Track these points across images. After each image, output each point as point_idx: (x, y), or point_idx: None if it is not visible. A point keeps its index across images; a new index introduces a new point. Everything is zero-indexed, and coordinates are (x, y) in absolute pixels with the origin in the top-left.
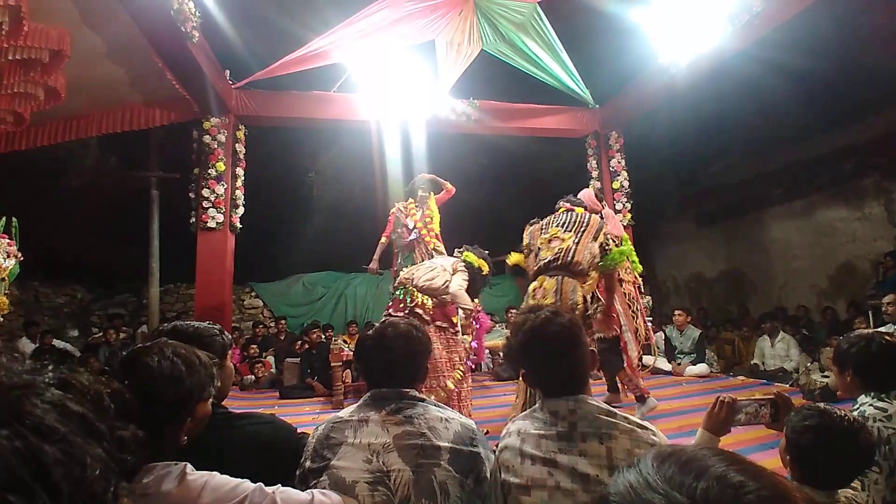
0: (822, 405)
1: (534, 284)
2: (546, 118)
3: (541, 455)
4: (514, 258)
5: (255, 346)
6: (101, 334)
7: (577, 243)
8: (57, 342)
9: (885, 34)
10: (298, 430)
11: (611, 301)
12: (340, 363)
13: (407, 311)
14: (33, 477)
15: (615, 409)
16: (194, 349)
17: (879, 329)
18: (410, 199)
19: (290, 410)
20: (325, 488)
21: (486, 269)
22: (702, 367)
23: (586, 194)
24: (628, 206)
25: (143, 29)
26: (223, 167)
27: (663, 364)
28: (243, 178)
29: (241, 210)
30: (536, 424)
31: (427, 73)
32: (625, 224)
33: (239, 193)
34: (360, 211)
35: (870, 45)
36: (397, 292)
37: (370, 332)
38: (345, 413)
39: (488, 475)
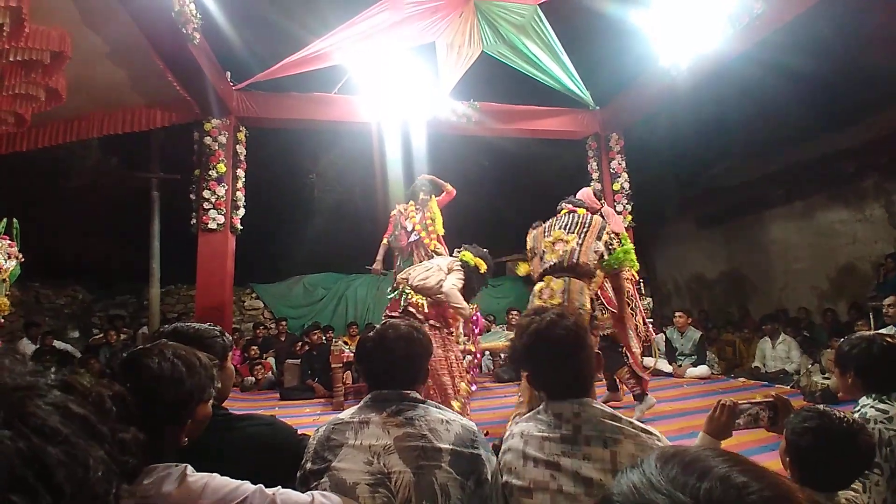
0: (821, 407)
1: (540, 285)
2: (546, 120)
3: (544, 458)
4: (522, 269)
5: (255, 348)
6: (101, 335)
7: (581, 244)
8: (58, 343)
9: (885, 35)
10: (299, 432)
11: (622, 305)
12: (341, 364)
13: (400, 310)
14: (36, 478)
15: (620, 414)
16: (195, 350)
17: (881, 331)
18: (411, 202)
19: (291, 412)
20: (325, 490)
21: (483, 267)
22: (702, 369)
23: (585, 193)
24: (629, 207)
25: (144, 30)
26: (224, 168)
27: (664, 366)
28: (244, 179)
29: (241, 211)
30: (540, 427)
31: (427, 74)
32: (625, 226)
33: (240, 195)
34: (361, 212)
35: (870, 47)
36: (395, 293)
37: (371, 333)
38: (345, 415)
39: (489, 477)
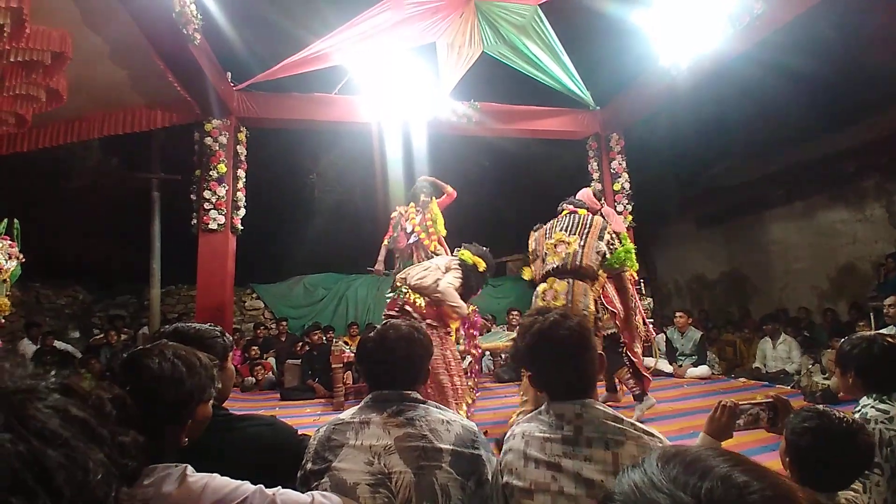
0: (820, 407)
1: (543, 286)
2: (547, 120)
3: (545, 459)
4: (528, 273)
5: (256, 348)
6: (102, 336)
7: (584, 246)
8: (58, 343)
9: (885, 35)
10: (299, 432)
11: (627, 305)
12: (341, 365)
13: (398, 309)
14: (36, 480)
15: (622, 415)
16: (195, 351)
17: (881, 331)
18: (412, 204)
19: (291, 412)
20: (326, 490)
21: (481, 266)
22: (703, 369)
23: (585, 194)
24: (629, 207)
25: (144, 31)
26: (224, 169)
27: (664, 366)
28: (244, 179)
29: (242, 211)
30: (541, 427)
31: (428, 75)
32: (626, 226)
33: (240, 195)
34: (361, 212)
35: (870, 47)
36: (394, 293)
37: (372, 333)
38: (346, 415)
39: (489, 477)
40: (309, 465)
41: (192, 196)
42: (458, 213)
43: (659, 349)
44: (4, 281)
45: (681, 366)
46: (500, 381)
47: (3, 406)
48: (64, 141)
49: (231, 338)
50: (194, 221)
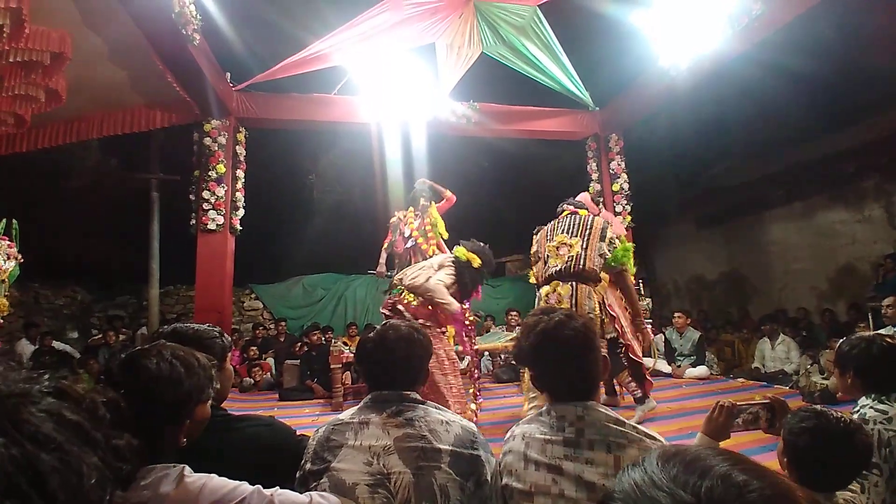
0: (818, 407)
1: (546, 289)
2: (546, 121)
3: (546, 461)
4: (534, 277)
5: (254, 348)
6: (100, 336)
7: (586, 248)
8: (57, 344)
9: (885, 36)
10: (298, 433)
11: (634, 305)
12: (340, 365)
13: (390, 308)
14: (30, 485)
15: (623, 418)
16: (193, 351)
17: (880, 331)
18: (410, 208)
19: (290, 412)
20: (325, 490)
21: (475, 262)
22: (702, 370)
23: (584, 198)
24: (628, 208)
25: (144, 31)
26: (223, 169)
27: (663, 366)
28: (243, 180)
29: (241, 212)
30: (542, 429)
31: (427, 75)
32: (625, 226)
33: (239, 195)
34: (361, 213)
35: (870, 47)
36: (393, 292)
37: (371, 334)
38: (345, 415)
39: (489, 478)
40: (308, 466)
41: (191, 196)
42: (457, 214)
43: (658, 349)
44: (3, 281)
45: (679, 366)
46: (500, 382)
47: None
48: (63, 141)
49: (230, 338)
50: (193, 222)
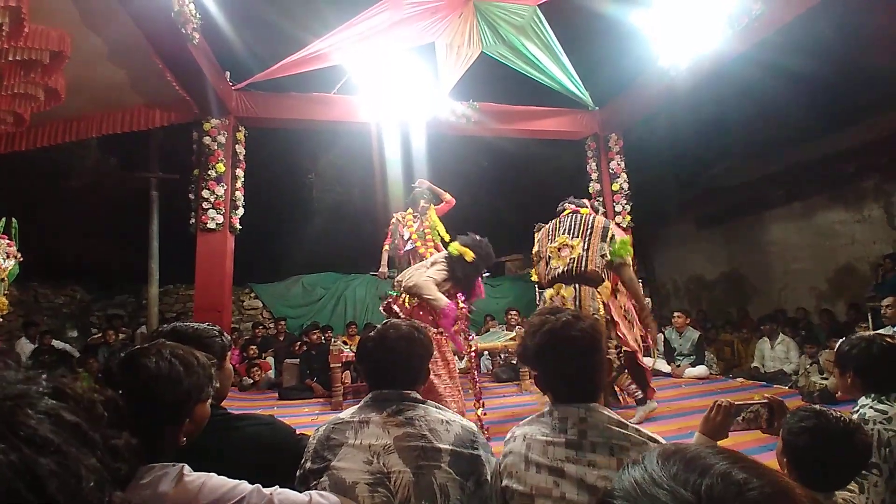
0: (817, 407)
1: (549, 292)
2: (546, 120)
3: (547, 463)
4: (535, 275)
5: (254, 347)
6: (100, 335)
7: (588, 250)
8: (56, 343)
9: (885, 36)
10: (297, 432)
11: (639, 300)
12: (340, 364)
13: (384, 306)
14: (28, 489)
15: (626, 421)
16: (192, 350)
17: (880, 331)
18: (409, 210)
19: (290, 412)
20: (325, 489)
21: (469, 255)
22: (701, 369)
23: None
24: (628, 208)
25: (143, 30)
26: (223, 168)
27: (662, 366)
28: (243, 179)
29: (240, 211)
30: (544, 430)
31: (427, 75)
32: (624, 226)
33: (239, 195)
34: (360, 212)
35: (870, 48)
36: (390, 293)
37: (372, 333)
38: (346, 414)
39: (489, 478)
40: (308, 465)
41: (190, 195)
42: (457, 214)
43: (657, 349)
44: (3, 280)
45: (679, 366)
46: (499, 381)
47: None
48: (62, 140)
49: (229, 337)
50: (193, 221)
